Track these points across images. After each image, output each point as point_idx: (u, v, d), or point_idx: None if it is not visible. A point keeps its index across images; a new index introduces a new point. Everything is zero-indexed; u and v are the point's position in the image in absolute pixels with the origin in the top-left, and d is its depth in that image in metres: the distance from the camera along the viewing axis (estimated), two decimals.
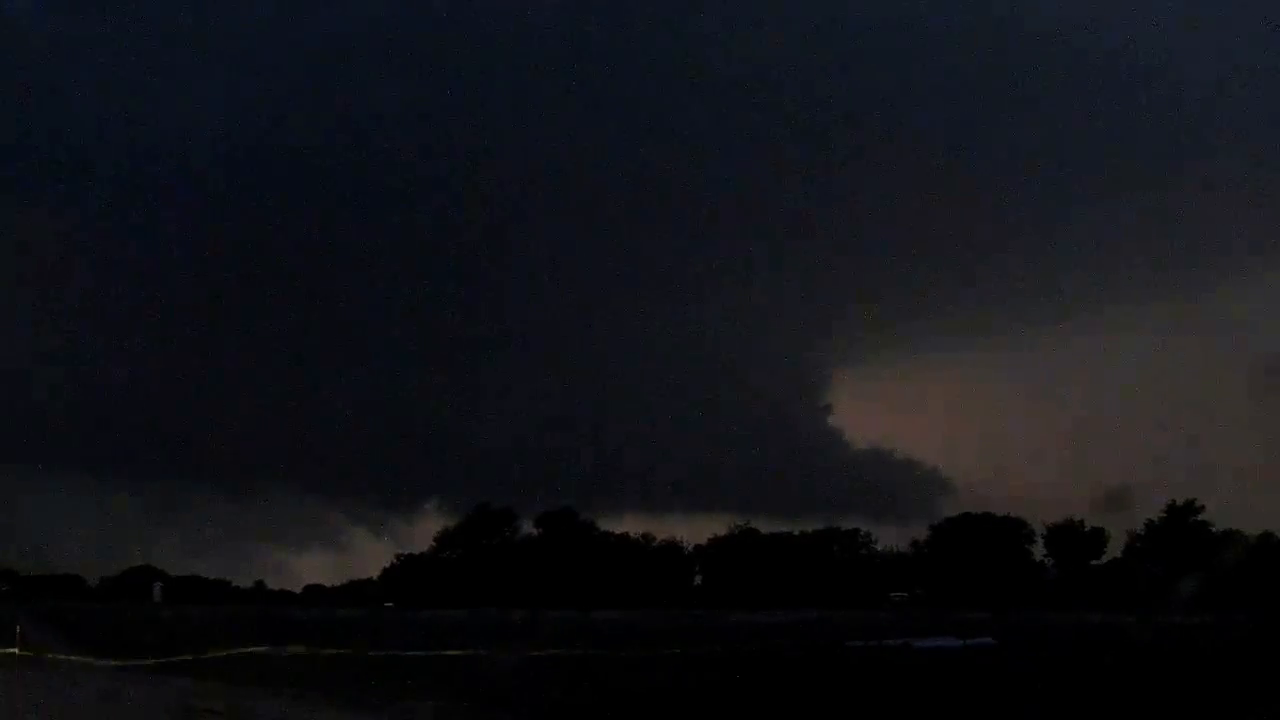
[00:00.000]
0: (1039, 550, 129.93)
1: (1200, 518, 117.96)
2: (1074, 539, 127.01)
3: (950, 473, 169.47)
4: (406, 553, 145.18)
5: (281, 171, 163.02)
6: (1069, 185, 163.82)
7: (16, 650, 35.93)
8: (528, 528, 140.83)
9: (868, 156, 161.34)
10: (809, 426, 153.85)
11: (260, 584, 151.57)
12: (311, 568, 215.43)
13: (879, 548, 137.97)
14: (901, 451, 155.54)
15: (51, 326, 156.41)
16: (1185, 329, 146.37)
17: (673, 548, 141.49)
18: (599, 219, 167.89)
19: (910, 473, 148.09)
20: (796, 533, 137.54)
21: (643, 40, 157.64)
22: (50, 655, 36.77)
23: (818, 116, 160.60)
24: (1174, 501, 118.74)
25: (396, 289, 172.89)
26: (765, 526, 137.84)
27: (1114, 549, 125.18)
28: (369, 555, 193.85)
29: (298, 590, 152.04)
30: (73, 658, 36.91)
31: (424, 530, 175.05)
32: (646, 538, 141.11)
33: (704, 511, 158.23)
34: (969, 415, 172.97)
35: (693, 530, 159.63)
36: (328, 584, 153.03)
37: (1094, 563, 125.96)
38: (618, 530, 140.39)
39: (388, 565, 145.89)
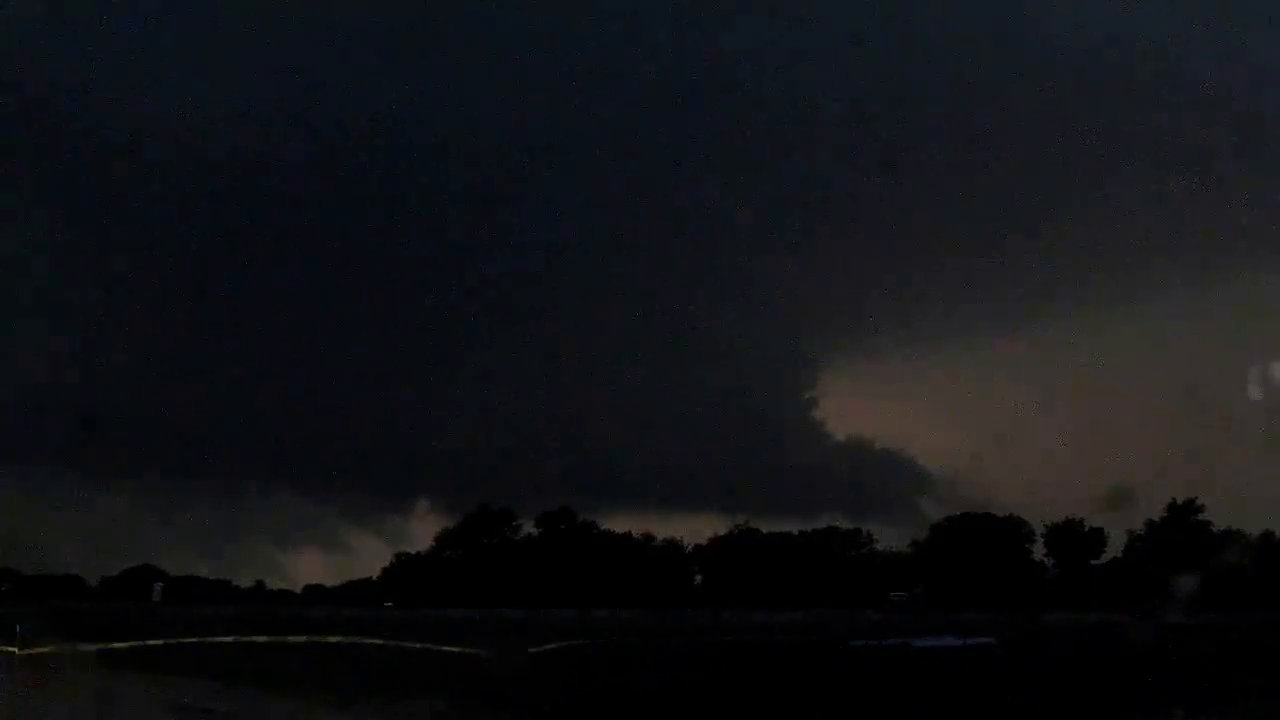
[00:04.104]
0: (1039, 550, 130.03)
1: (1200, 518, 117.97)
2: (1074, 539, 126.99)
3: (947, 471, 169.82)
4: (406, 552, 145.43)
5: (280, 171, 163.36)
6: (1068, 184, 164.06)
7: (16, 650, 35.86)
8: (528, 528, 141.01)
9: (862, 156, 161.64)
10: (800, 423, 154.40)
11: (260, 584, 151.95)
12: (311, 568, 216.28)
13: (879, 548, 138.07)
14: (897, 449, 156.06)
15: (51, 326, 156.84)
16: (1186, 328, 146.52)
17: (673, 547, 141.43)
18: (597, 219, 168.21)
19: (905, 470, 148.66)
20: (796, 532, 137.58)
21: (638, 31, 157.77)
22: (50, 655, 36.72)
23: (810, 115, 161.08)
24: (1174, 501, 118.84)
25: (396, 290, 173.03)
26: (763, 525, 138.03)
27: (1114, 549, 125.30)
28: (368, 555, 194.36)
29: (298, 590, 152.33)
30: (72, 657, 36.85)
31: (423, 530, 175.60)
32: (647, 538, 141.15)
33: (695, 508, 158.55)
34: (967, 414, 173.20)
35: (693, 530, 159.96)
36: (328, 584, 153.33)
37: (1094, 562, 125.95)
38: (618, 530, 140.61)
39: (387, 565, 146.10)
